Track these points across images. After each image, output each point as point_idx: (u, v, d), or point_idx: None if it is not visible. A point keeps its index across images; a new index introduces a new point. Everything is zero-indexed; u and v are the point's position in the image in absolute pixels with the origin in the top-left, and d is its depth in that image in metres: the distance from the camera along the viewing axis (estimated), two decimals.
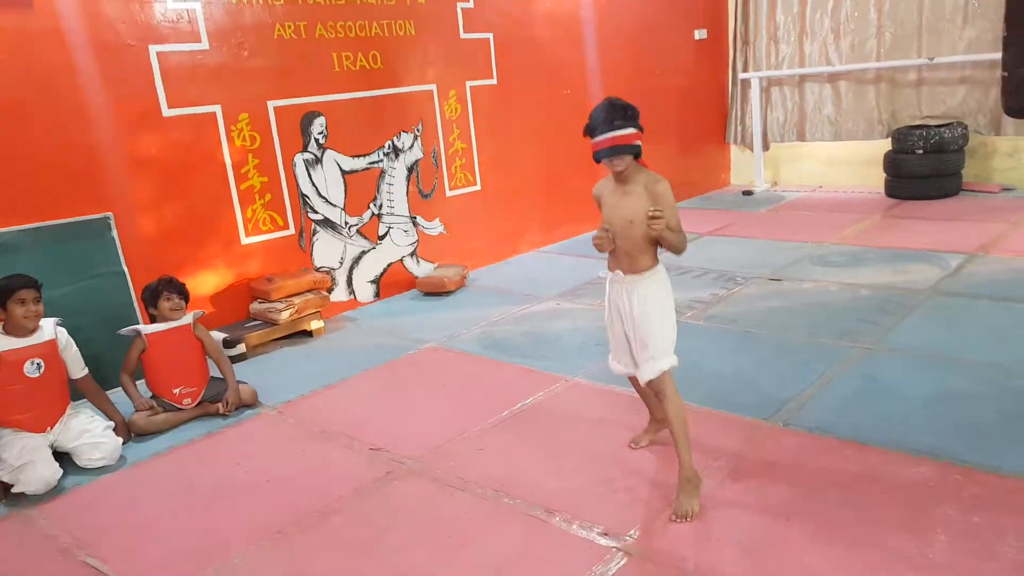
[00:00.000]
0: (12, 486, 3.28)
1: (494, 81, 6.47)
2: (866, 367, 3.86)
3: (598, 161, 2.89)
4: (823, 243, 6.31)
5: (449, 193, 6.26)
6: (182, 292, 4.01)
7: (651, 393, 3.09)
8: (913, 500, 2.71)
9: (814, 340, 4.28)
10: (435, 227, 6.17)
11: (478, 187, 6.48)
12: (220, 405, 3.96)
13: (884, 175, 7.84)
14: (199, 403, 3.99)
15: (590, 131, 2.89)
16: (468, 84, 6.27)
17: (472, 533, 2.78)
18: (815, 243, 6.33)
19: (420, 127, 5.96)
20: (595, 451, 3.28)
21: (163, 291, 3.93)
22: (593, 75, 7.39)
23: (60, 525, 3.07)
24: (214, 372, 4.12)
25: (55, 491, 3.34)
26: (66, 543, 2.94)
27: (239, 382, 4.08)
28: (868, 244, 6.14)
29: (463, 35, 6.17)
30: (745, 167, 9.26)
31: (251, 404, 4.06)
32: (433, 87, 6.02)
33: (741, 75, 8.88)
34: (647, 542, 2.62)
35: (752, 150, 9.01)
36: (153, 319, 4.01)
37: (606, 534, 2.68)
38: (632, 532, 2.67)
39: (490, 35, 6.38)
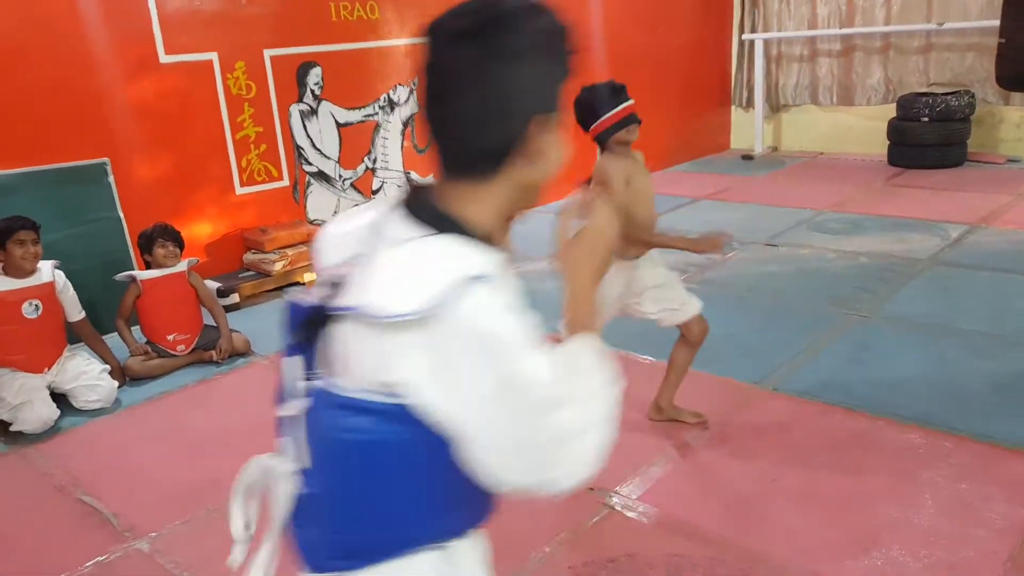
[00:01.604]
0: (11, 424, 3.32)
1: None
2: (860, 334, 3.88)
3: (606, 140, 2.80)
4: (822, 210, 6.29)
5: None
6: (177, 239, 4.01)
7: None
8: (901, 465, 2.75)
9: (808, 306, 4.30)
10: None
11: None
12: (214, 352, 3.98)
13: (887, 142, 7.78)
14: (193, 350, 4.01)
15: (593, 112, 2.79)
16: None
17: None
18: (814, 209, 6.31)
19: (416, 81, 5.87)
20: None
21: (158, 237, 3.93)
22: (596, 38, 7.29)
23: (57, 464, 3.12)
24: (208, 320, 4.14)
25: (52, 431, 3.38)
26: (62, 481, 2.98)
27: (232, 331, 4.10)
28: (868, 212, 6.13)
29: None
30: (746, 131, 9.17)
31: (244, 352, 4.09)
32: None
33: (744, 35, 8.75)
34: (631, 498, 2.66)
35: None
36: (148, 265, 4.02)
37: (591, 488, 2.73)
38: (618, 488, 2.72)
39: None
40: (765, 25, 8.68)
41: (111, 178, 4.47)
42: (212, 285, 4.79)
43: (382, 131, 5.77)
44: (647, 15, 7.92)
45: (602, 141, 2.82)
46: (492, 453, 0.97)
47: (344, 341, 1.01)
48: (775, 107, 8.88)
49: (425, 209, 1.04)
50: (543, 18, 1.06)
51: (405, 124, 5.92)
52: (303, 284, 5.11)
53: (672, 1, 8.23)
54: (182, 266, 4.01)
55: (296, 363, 1.09)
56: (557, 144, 1.07)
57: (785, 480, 2.72)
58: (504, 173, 1.05)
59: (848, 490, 2.64)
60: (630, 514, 2.58)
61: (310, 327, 1.08)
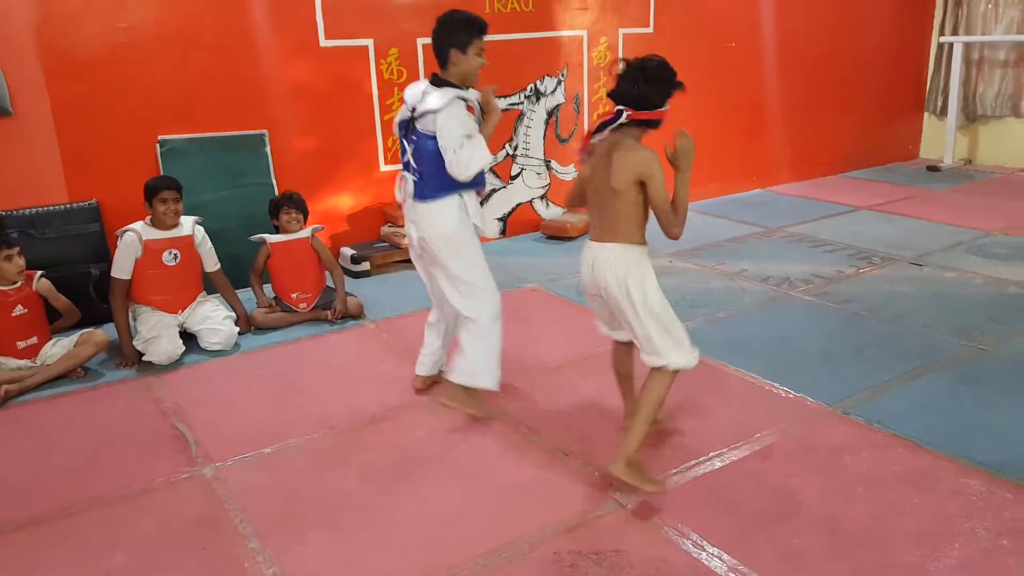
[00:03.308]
0: (143, 355, 3.90)
1: (650, 30, 6.33)
2: (970, 368, 3.53)
3: (658, 126, 2.76)
4: (991, 232, 5.65)
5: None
6: (301, 207, 4.44)
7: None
8: (945, 510, 2.53)
9: (926, 332, 3.95)
10: (569, 172, 6.24)
11: None
12: (328, 312, 4.39)
13: None
14: (313, 308, 4.44)
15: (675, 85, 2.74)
16: (621, 31, 6.19)
17: (493, 459, 2.97)
18: (982, 231, 5.68)
19: (565, 72, 6.00)
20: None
21: (284, 205, 4.39)
22: (766, 28, 6.98)
23: (169, 393, 3.64)
24: (331, 283, 4.55)
25: (176, 364, 3.92)
26: (167, 408, 3.49)
27: (349, 295, 4.49)
28: None
29: None
30: (937, 140, 8.36)
31: (356, 315, 4.46)
32: (583, 33, 6.02)
33: (942, 38, 7.95)
34: (647, 500, 2.66)
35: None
36: (277, 229, 4.49)
37: (610, 483, 2.75)
38: (636, 488, 2.72)
39: None
40: (968, 27, 7.85)
41: (268, 148, 5.03)
42: (347, 252, 5.28)
43: (525, 119, 5.95)
44: (841, 12, 7.45)
45: (653, 126, 2.73)
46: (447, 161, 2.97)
47: (422, 121, 3.03)
48: (971, 117, 8.03)
49: (438, 81, 3.07)
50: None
51: (550, 114, 6.06)
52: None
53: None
54: (306, 232, 4.44)
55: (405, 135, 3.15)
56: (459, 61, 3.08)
57: (812, 506, 2.59)
58: (448, 69, 3.09)
59: (876, 526, 2.47)
60: (635, 515, 2.59)
61: (409, 122, 3.11)
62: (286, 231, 4.41)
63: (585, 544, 2.44)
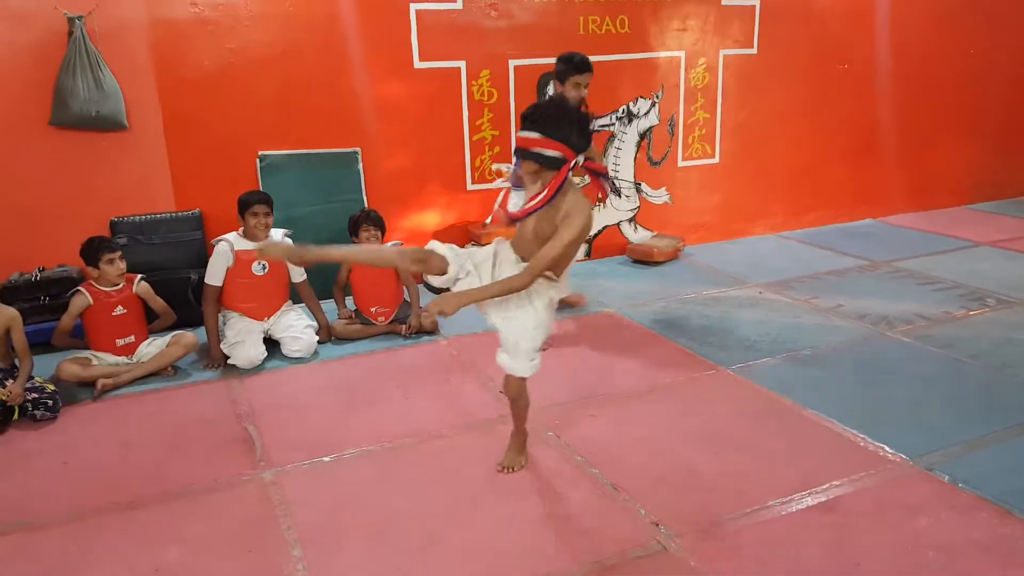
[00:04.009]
0: (228, 358, 4.10)
1: (753, 51, 6.13)
2: None
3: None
4: None
5: (681, 163, 6.14)
6: (379, 224, 4.54)
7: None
8: None
9: None
10: (660, 196, 6.12)
11: (715, 160, 6.26)
12: (404, 327, 4.47)
13: None
14: (391, 321, 4.54)
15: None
16: (722, 52, 6.02)
17: (541, 488, 2.92)
18: None
19: (660, 94, 5.90)
20: (700, 444, 3.19)
21: (362, 222, 4.50)
22: (884, 48, 6.62)
23: (247, 396, 3.80)
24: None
25: (258, 368, 4.10)
26: (243, 410, 3.64)
27: (423, 310, 4.56)
28: None
29: (724, 2, 5.91)
30: None
31: (431, 331, 4.52)
32: (681, 54, 5.90)
33: None
34: (692, 544, 2.55)
35: None
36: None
37: (656, 523, 2.65)
38: (683, 532, 2.61)
39: (756, 2, 6.02)
40: None
41: (360, 165, 5.20)
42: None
43: (616, 141, 5.89)
44: (971, 31, 6.99)
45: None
46: None
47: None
48: None
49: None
50: None
51: (642, 136, 5.97)
52: None
53: (1003, 21, 7.14)
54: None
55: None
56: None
57: (874, 568, 2.40)
58: None
59: None
60: (679, 559, 2.48)
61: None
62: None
63: None
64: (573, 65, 4.10)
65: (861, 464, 3.00)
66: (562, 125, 2.54)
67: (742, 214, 6.49)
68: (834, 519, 2.66)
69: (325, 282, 4.66)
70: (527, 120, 2.60)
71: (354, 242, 4.61)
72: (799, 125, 6.48)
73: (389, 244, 4.58)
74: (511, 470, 3.02)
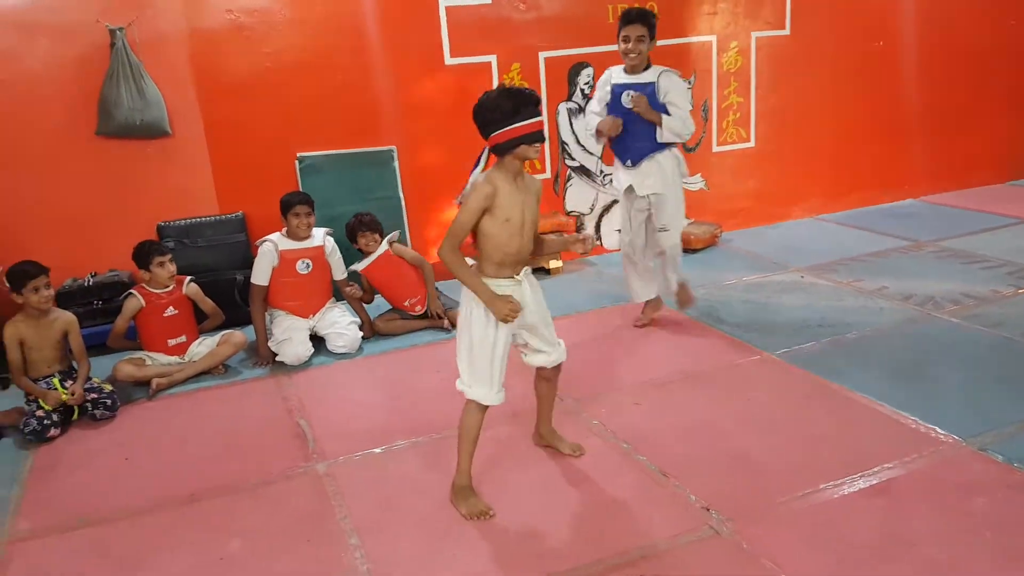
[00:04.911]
0: (277, 355, 4.19)
1: (786, 32, 6.05)
2: None
3: (504, 153, 2.61)
4: None
5: (716, 148, 6.10)
6: (373, 227, 4.50)
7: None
8: None
9: None
10: (695, 182, 6.08)
11: (751, 144, 6.20)
12: (446, 320, 4.51)
13: None
14: (426, 311, 4.57)
15: (505, 115, 2.54)
16: (754, 35, 5.96)
17: (589, 475, 2.95)
18: None
19: (692, 79, 5.86)
20: (748, 429, 3.20)
21: (358, 231, 4.49)
22: (921, 24, 6.49)
23: (296, 391, 3.88)
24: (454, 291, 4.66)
25: (305, 365, 4.18)
26: (293, 405, 3.72)
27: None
28: None
29: None
30: None
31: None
32: (712, 39, 5.85)
33: None
34: (744, 528, 2.55)
35: None
36: (361, 253, 4.59)
37: (707, 508, 2.67)
38: (735, 516, 2.62)
39: None
40: None
41: (396, 163, 5.25)
42: (469, 262, 5.39)
43: None
44: (1003, 10, 6.82)
45: (500, 152, 2.62)
46: None
47: None
48: None
49: None
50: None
51: None
52: (548, 270, 5.50)
53: None
54: (384, 247, 4.52)
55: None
56: None
57: (929, 550, 2.39)
58: None
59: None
60: (731, 542, 2.49)
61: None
62: (368, 252, 4.53)
63: (672, 570, 2.38)
64: (619, 22, 4.01)
65: (913, 446, 2.98)
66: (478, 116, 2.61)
67: (779, 198, 6.42)
68: (887, 501, 2.65)
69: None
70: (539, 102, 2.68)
71: (356, 248, 4.57)
72: (835, 105, 6.39)
73: (385, 241, 4.55)
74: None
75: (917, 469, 2.83)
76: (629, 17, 3.93)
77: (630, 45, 3.92)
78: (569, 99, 5.61)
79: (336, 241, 4.45)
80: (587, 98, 5.63)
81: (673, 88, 3.96)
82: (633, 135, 4.02)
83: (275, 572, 2.52)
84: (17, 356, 3.64)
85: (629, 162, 4.11)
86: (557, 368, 2.98)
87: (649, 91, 3.96)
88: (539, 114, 2.61)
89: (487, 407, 2.79)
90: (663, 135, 3.96)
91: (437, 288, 4.67)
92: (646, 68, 4.00)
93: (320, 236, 4.35)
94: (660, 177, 4.05)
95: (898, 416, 3.21)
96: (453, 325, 4.51)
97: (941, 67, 6.71)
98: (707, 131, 6.05)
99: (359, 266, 4.54)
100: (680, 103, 3.96)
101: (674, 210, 4.15)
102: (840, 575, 2.30)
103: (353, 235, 4.56)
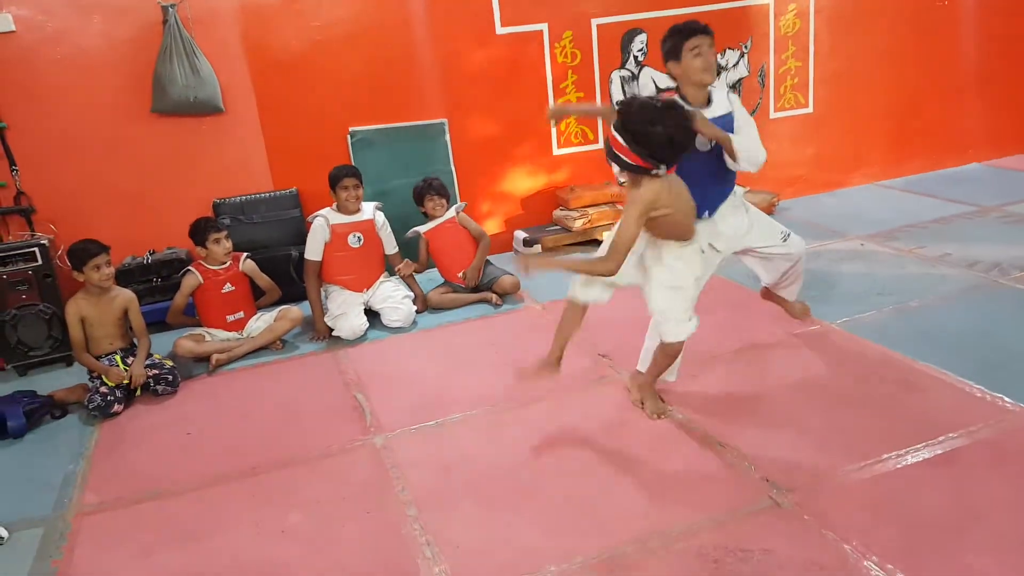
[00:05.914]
0: (333, 329, 4.25)
1: None
2: None
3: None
4: None
5: (773, 115, 5.94)
6: (442, 192, 4.55)
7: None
8: None
9: None
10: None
11: (809, 109, 6.02)
12: (494, 295, 4.51)
13: None
14: (478, 286, 4.58)
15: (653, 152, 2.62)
16: None
17: (647, 446, 2.93)
18: None
19: (748, 44, 5.70)
20: (808, 400, 3.13)
21: (426, 193, 4.54)
22: None
23: (353, 365, 3.94)
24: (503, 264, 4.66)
25: (360, 339, 4.23)
26: (350, 379, 3.78)
27: (506, 273, 4.59)
28: None
29: None
30: None
31: (511, 293, 4.55)
32: (770, 2, 5.67)
33: None
34: (805, 500, 2.51)
35: None
36: (425, 216, 4.65)
37: (767, 479, 2.63)
38: (796, 486, 2.58)
39: None
40: None
41: (447, 136, 5.24)
42: (520, 235, 5.40)
43: None
44: None
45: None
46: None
47: None
48: None
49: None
50: None
51: (732, 87, 5.79)
52: (600, 242, 5.44)
53: None
54: (451, 212, 4.57)
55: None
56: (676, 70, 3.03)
57: (998, 521, 2.32)
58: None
59: None
60: (792, 513, 2.45)
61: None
62: (433, 216, 4.57)
63: (733, 540, 2.35)
64: (682, 34, 2.95)
65: (979, 415, 2.88)
66: (643, 139, 2.55)
67: (838, 164, 6.24)
68: (952, 471, 2.58)
69: (411, 254, 4.72)
70: (619, 113, 2.62)
71: (421, 212, 4.62)
72: (896, 68, 6.15)
73: (453, 208, 4.60)
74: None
75: (984, 439, 2.74)
76: (695, 28, 2.95)
77: (708, 58, 2.92)
78: (622, 66, 5.51)
79: (387, 216, 4.48)
80: (640, 65, 5.53)
81: (743, 112, 3.09)
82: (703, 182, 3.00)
83: (336, 543, 2.57)
84: (79, 334, 3.76)
85: (707, 213, 3.13)
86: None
87: (726, 121, 2.99)
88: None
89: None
90: (738, 161, 2.97)
91: (488, 260, 4.67)
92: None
93: (370, 210, 4.38)
94: (731, 206, 3.19)
95: (963, 385, 3.11)
96: (472, 282, 4.50)
97: (1006, 26, 6.40)
98: (764, 97, 5.89)
99: (422, 228, 4.57)
100: (752, 128, 3.07)
101: (762, 217, 3.43)
102: (907, 547, 2.25)
103: (421, 198, 4.58)
